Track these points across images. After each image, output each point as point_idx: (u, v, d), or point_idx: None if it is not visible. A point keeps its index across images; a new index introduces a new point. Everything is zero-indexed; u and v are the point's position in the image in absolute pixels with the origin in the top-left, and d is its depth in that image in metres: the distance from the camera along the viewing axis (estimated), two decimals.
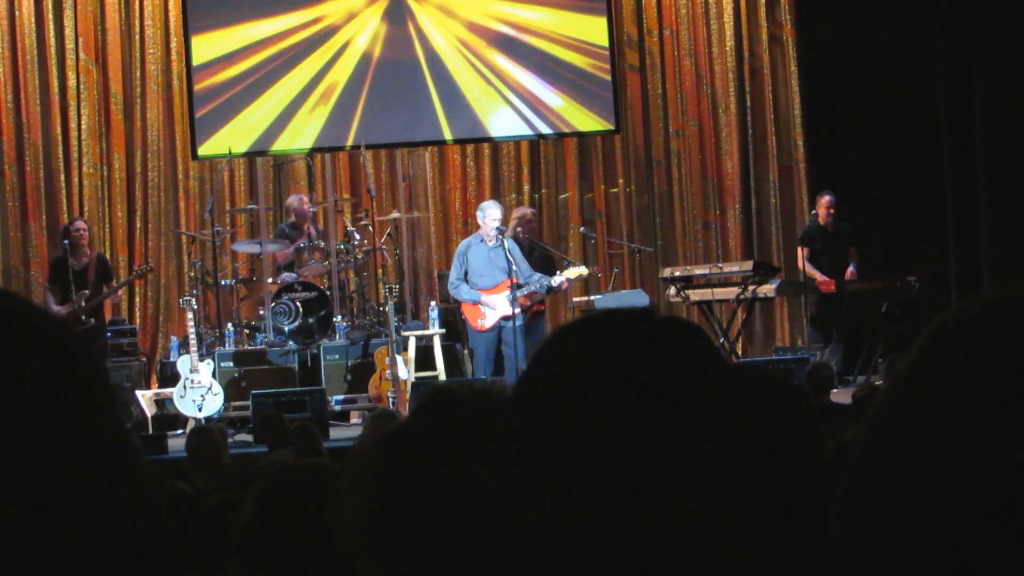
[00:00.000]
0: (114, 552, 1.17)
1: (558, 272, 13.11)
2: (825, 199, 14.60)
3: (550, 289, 13.04)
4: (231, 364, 13.43)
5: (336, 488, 1.66)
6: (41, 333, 1.20)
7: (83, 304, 12.96)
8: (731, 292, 14.16)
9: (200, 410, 12.57)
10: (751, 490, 1.37)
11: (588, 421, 1.37)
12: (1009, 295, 1.08)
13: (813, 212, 14.73)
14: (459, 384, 1.76)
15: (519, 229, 13.40)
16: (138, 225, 15.86)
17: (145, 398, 13.30)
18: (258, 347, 13.75)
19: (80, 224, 13.56)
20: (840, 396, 11.30)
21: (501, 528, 1.44)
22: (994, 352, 1.05)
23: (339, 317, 13.83)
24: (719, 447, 1.38)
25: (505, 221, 13.14)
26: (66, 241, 13.40)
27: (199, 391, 12.69)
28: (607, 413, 1.37)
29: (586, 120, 16.01)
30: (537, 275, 12.90)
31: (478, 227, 13.16)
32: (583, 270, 13.34)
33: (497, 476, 1.44)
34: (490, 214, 12.92)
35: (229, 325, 13.96)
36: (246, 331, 14.14)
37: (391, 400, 12.67)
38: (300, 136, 15.73)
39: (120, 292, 13.75)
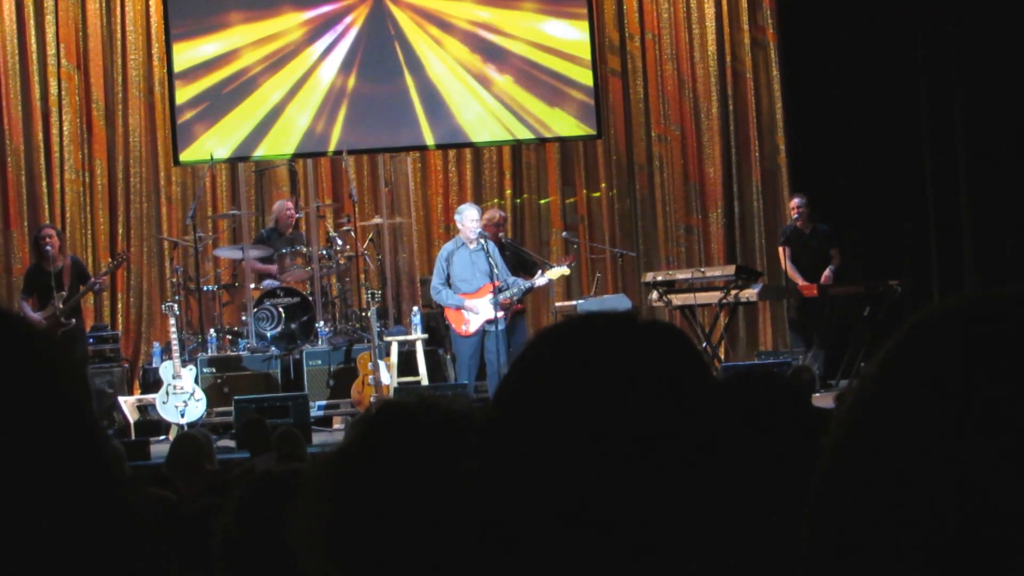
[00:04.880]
0: (92, 557, 1.17)
1: (539, 273, 13.11)
2: (793, 201, 14.67)
3: (529, 290, 13.06)
4: (214, 370, 13.41)
5: (292, 509, 1.67)
6: (18, 340, 1.20)
7: (61, 306, 12.90)
8: (713, 296, 14.16)
9: (182, 416, 12.54)
10: (735, 491, 1.38)
11: (569, 424, 1.38)
12: (976, 299, 1.09)
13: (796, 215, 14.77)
14: (405, 398, 1.76)
15: (487, 232, 13.35)
16: (120, 231, 15.82)
17: (127, 404, 13.27)
18: (240, 353, 13.74)
19: (47, 231, 13.40)
20: (822, 400, 11.31)
21: (454, 540, 1.44)
22: (962, 354, 1.06)
23: (321, 322, 13.81)
24: (703, 448, 1.38)
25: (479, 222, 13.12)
26: (35, 250, 13.33)
27: (181, 397, 12.66)
28: (588, 416, 1.37)
29: (568, 125, 16.01)
30: (514, 278, 12.91)
31: (459, 231, 13.15)
32: (564, 270, 13.35)
33: (455, 484, 1.44)
34: (468, 215, 12.88)
35: (211, 331, 13.94)
36: (228, 337, 14.11)
37: None
38: (282, 142, 15.72)
39: (105, 281, 13.63)
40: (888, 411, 1.08)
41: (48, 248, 13.04)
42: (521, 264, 13.61)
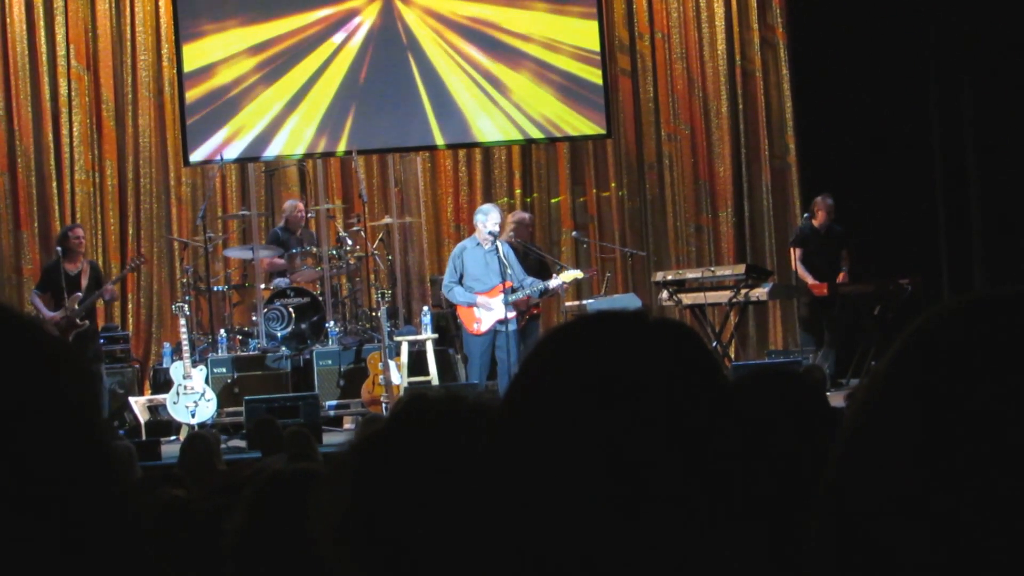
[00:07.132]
0: (93, 559, 1.17)
1: (554, 276, 13.09)
2: (828, 202, 14.42)
3: (544, 292, 13.02)
4: (224, 370, 13.42)
5: (315, 496, 1.67)
6: (23, 338, 1.20)
7: (76, 307, 12.95)
8: (724, 296, 14.15)
9: (193, 416, 12.56)
10: (742, 490, 1.37)
11: (579, 423, 1.37)
12: (985, 298, 1.09)
13: (806, 215, 14.69)
14: (433, 389, 1.78)
15: (512, 233, 13.32)
16: (130, 231, 15.84)
17: (138, 404, 13.28)
18: (252, 353, 13.74)
19: (79, 231, 13.55)
20: (832, 399, 11.29)
21: (478, 532, 1.45)
22: (970, 353, 1.06)
23: (332, 322, 13.81)
24: (711, 446, 1.38)
25: (501, 225, 13.06)
26: (59, 248, 13.35)
27: (192, 397, 12.68)
28: (598, 415, 1.37)
29: (578, 125, 16.00)
30: (531, 279, 12.88)
31: (472, 231, 13.11)
32: (578, 273, 13.32)
33: (476, 480, 1.44)
34: (492, 218, 12.79)
35: (222, 331, 13.95)
36: (239, 337, 14.12)
37: (384, 405, 12.67)
38: (292, 142, 15.73)
39: (115, 289, 13.70)
40: (895, 411, 1.07)
41: (80, 251, 13.21)
42: (542, 268, 13.56)
